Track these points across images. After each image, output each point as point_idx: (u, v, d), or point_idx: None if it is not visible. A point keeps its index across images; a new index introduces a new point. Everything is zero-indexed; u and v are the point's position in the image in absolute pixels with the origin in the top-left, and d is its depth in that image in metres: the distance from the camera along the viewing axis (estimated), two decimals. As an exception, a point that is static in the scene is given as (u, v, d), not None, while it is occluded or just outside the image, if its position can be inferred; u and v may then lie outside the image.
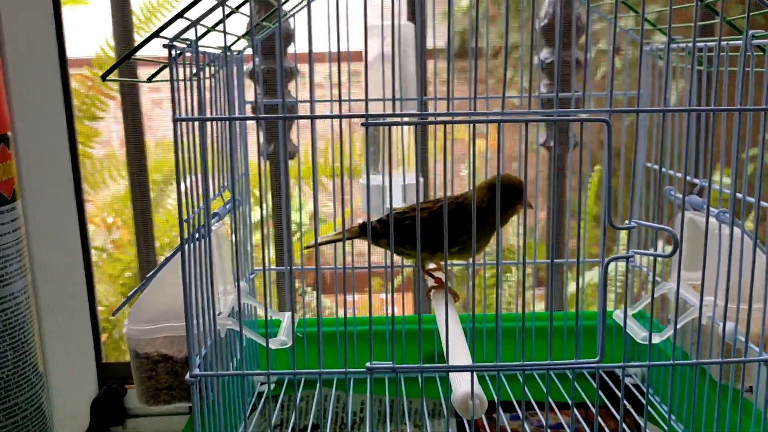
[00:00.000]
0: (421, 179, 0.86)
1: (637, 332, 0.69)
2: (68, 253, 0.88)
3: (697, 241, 0.71)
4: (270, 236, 0.93)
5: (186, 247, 0.56)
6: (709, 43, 0.66)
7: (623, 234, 0.83)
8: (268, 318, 0.66)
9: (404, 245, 0.72)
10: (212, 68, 0.68)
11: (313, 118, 0.52)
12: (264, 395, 0.82)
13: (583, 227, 0.77)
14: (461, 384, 0.58)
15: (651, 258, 0.76)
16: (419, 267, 0.67)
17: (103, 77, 0.49)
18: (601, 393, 0.82)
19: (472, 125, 0.53)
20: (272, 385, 0.84)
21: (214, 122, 0.63)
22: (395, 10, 0.77)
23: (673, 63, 0.75)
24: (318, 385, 0.77)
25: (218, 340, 0.65)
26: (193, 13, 0.50)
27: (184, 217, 0.54)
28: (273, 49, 0.86)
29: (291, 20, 0.85)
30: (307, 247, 0.66)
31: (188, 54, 0.57)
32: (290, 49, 0.90)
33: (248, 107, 0.80)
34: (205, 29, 0.57)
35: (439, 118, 0.56)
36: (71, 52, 0.85)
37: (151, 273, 0.65)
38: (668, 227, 0.52)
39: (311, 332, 0.83)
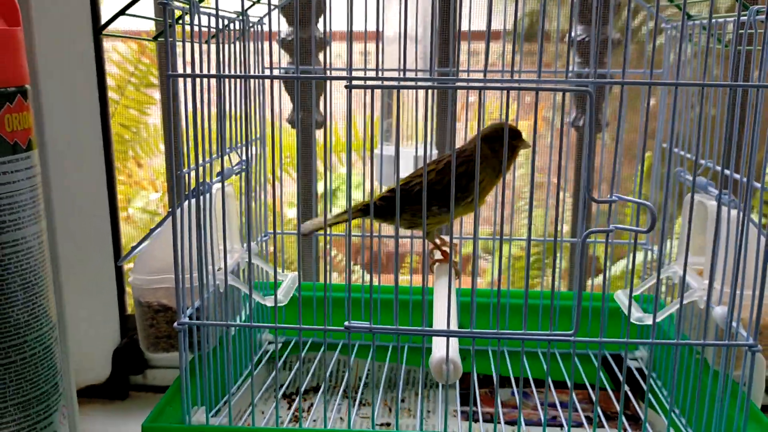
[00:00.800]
0: (435, 151, 0.86)
1: (633, 312, 0.68)
2: (94, 205, 0.92)
3: (703, 225, 0.69)
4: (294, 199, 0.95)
5: (186, 201, 0.58)
6: (719, 20, 0.64)
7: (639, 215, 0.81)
8: (275, 277, 0.69)
9: (415, 214, 0.72)
10: (229, 31, 0.70)
11: (298, 78, 0.53)
12: (270, 353, 0.85)
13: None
14: (440, 349, 0.58)
15: (660, 240, 0.75)
16: (425, 235, 0.68)
17: (98, 31, 0.51)
18: (602, 375, 0.82)
19: (452, 91, 0.54)
20: (279, 344, 0.86)
21: (232, 81, 0.65)
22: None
23: (694, 40, 0.73)
24: (323, 347, 0.80)
25: (217, 295, 0.68)
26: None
27: (176, 171, 0.57)
28: (300, 16, 0.88)
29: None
30: (305, 235, 0.68)
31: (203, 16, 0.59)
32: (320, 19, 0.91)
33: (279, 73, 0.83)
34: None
35: (420, 84, 0.57)
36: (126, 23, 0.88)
37: (155, 225, 0.68)
38: (647, 203, 0.51)
39: (320, 296, 0.85)
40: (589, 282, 1.04)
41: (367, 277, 0.95)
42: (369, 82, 0.53)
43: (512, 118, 0.92)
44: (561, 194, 0.73)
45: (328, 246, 0.68)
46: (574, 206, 0.97)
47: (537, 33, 0.55)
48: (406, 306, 0.84)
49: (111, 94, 1.42)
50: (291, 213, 1.23)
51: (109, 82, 1.34)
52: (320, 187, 1.20)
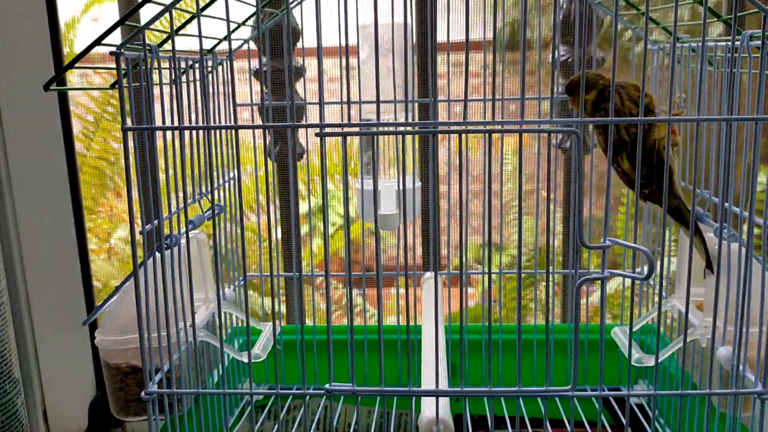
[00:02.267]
0: (418, 183, 0.83)
1: (633, 352, 0.65)
2: (64, 256, 0.87)
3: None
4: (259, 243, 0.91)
5: (154, 256, 0.54)
6: (709, 44, 0.61)
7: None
8: (248, 329, 0.64)
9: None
10: (194, 72, 0.66)
11: (265, 127, 0.49)
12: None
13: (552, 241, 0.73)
14: (430, 408, 0.55)
15: (659, 287, 0.71)
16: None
17: (45, 87, 0.47)
18: (603, 416, 0.78)
19: (432, 135, 0.50)
20: (260, 396, 0.82)
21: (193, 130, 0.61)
22: (394, 8, 0.74)
23: (682, 63, 0.69)
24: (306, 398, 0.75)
25: (190, 352, 0.64)
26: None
27: (139, 228, 0.53)
28: (274, 48, 0.84)
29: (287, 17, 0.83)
30: None
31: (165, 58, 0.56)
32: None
33: (255, 109, 0.79)
34: (165, 36, 0.55)
35: (390, 129, 0.53)
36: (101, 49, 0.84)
37: (120, 282, 0.64)
38: (643, 248, 0.48)
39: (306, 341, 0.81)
40: (582, 301, 1.00)
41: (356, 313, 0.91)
42: (344, 129, 0.49)
43: (497, 136, 0.89)
44: (551, 239, 0.69)
45: (313, 292, 0.64)
46: (563, 219, 0.94)
47: (519, 45, 0.51)
48: (393, 347, 0.80)
49: (87, 127, 1.37)
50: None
51: (84, 114, 1.30)
52: (303, 207, 1.15)
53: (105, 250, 1.64)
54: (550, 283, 0.63)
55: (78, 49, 0.86)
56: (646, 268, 0.55)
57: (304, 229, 0.95)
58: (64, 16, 0.88)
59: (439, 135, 0.90)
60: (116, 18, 0.88)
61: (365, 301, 0.85)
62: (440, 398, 0.53)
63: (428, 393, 0.53)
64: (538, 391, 0.52)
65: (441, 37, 0.77)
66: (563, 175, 0.91)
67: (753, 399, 0.53)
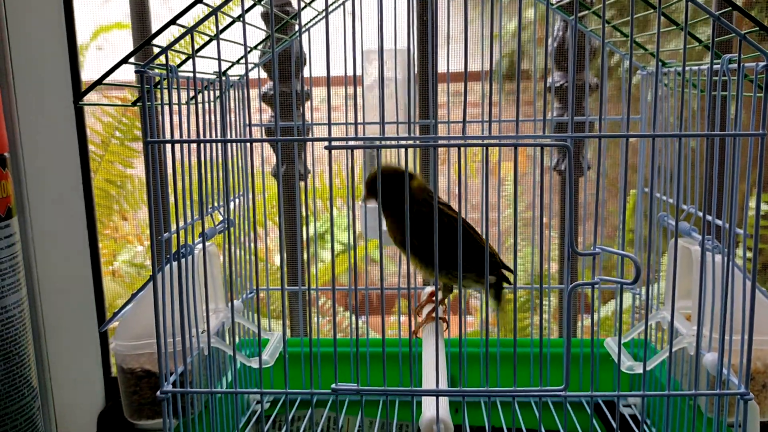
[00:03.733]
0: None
1: (624, 361, 0.68)
2: (77, 268, 0.91)
3: (689, 268, 0.69)
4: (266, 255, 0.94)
5: (169, 264, 0.58)
6: (693, 68, 0.65)
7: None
8: (261, 338, 0.68)
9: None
10: (208, 92, 0.70)
11: (278, 140, 0.53)
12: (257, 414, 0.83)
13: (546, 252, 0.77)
14: (430, 409, 0.57)
15: (647, 293, 0.75)
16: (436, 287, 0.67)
17: (75, 102, 0.51)
18: (595, 423, 0.81)
19: (434, 149, 0.54)
20: (267, 405, 0.85)
21: (212, 145, 0.65)
22: (397, 34, 0.79)
23: (669, 86, 0.73)
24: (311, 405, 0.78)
25: (201, 358, 0.67)
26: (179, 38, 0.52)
27: (157, 237, 0.56)
28: (282, 72, 0.88)
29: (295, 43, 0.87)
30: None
31: (182, 78, 0.60)
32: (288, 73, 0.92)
33: (263, 129, 0.83)
34: (186, 56, 0.59)
35: (393, 142, 0.57)
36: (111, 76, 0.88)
37: (137, 290, 0.67)
38: (631, 255, 0.51)
39: (308, 353, 0.84)
40: (579, 323, 1.03)
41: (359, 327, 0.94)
42: (350, 143, 0.53)
43: (494, 160, 0.92)
44: (544, 247, 0.72)
45: (316, 301, 0.67)
46: (560, 244, 0.97)
47: (517, 74, 0.55)
48: (395, 359, 0.83)
49: (95, 150, 1.41)
50: (279, 258, 1.22)
51: (93, 137, 1.33)
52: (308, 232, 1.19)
53: (110, 273, 1.67)
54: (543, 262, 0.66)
55: (87, 74, 0.91)
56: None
57: (310, 250, 0.99)
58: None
59: (439, 161, 0.94)
60: (122, 45, 0.93)
61: (368, 327, 0.88)
62: (440, 399, 0.56)
63: (429, 393, 0.56)
64: (533, 392, 0.55)
65: (441, 66, 0.81)
66: (560, 203, 0.95)
67: (737, 400, 0.56)
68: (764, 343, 0.64)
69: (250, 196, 0.77)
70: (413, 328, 0.72)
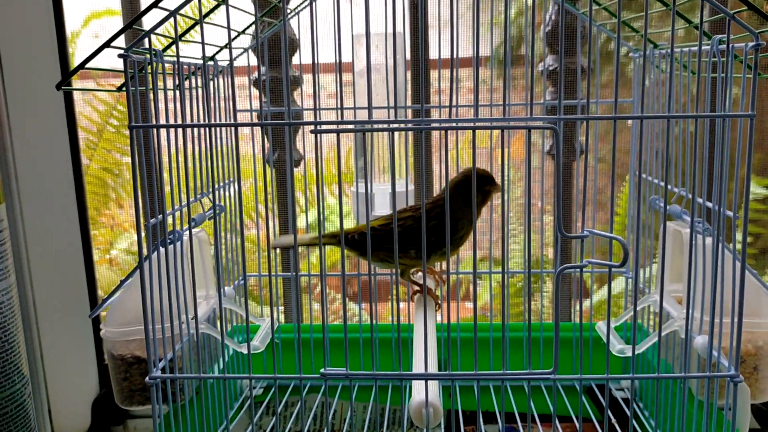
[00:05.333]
0: (411, 186, 0.86)
1: (615, 344, 0.67)
2: (69, 255, 0.90)
3: (680, 251, 0.69)
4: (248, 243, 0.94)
5: (158, 251, 0.57)
6: (684, 49, 0.64)
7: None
8: (250, 324, 0.67)
9: (390, 254, 0.71)
10: (195, 78, 0.70)
11: (263, 125, 0.52)
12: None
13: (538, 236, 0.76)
14: (420, 393, 0.57)
15: (635, 275, 0.74)
16: (398, 275, 0.67)
17: (58, 87, 0.50)
18: (587, 406, 0.81)
19: (422, 132, 0.53)
20: (260, 390, 0.85)
21: (200, 130, 0.65)
22: (388, 18, 0.78)
23: (662, 68, 0.73)
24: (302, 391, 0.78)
25: (192, 344, 0.67)
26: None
27: (144, 222, 0.56)
28: (273, 58, 0.88)
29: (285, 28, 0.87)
30: (275, 247, 0.68)
31: (168, 63, 0.59)
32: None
33: (254, 115, 0.82)
34: (169, 41, 0.58)
35: (381, 126, 0.56)
36: (99, 62, 0.87)
37: (125, 276, 0.67)
38: (619, 237, 0.51)
39: (302, 338, 0.84)
40: (577, 307, 1.03)
41: (349, 312, 0.93)
42: (338, 126, 0.52)
43: (486, 146, 0.92)
44: (540, 230, 0.72)
45: (307, 284, 0.67)
46: (555, 231, 0.97)
47: (515, 59, 0.55)
48: (387, 343, 0.83)
49: (91, 138, 1.40)
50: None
51: (88, 125, 1.33)
52: (300, 221, 1.19)
53: (107, 261, 1.67)
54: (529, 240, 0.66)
55: (79, 61, 0.90)
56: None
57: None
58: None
59: (433, 147, 0.93)
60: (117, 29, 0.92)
61: (361, 310, 0.88)
62: (430, 383, 0.56)
63: (418, 376, 0.56)
64: (522, 374, 0.55)
65: (433, 52, 0.80)
66: (554, 186, 0.94)
67: (727, 383, 0.56)
68: (754, 325, 0.64)
69: (240, 181, 0.77)
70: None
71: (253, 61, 0.86)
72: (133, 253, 1.68)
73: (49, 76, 0.84)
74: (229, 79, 0.67)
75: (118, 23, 1.01)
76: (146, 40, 0.53)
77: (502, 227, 0.56)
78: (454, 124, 0.53)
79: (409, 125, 0.54)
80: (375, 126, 0.53)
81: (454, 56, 0.66)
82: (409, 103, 0.91)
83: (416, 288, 0.77)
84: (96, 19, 1.28)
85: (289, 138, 0.78)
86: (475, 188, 0.55)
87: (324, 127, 0.53)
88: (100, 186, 1.51)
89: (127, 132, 0.52)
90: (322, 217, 0.60)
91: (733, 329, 0.56)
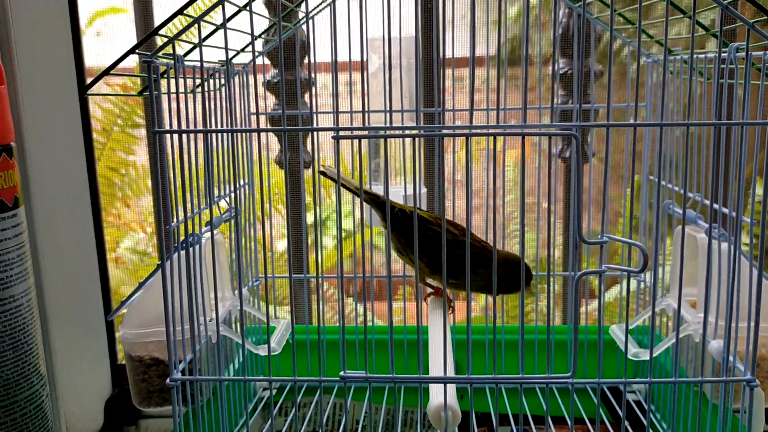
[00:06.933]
0: (424, 190, 0.86)
1: (630, 348, 0.68)
2: (82, 257, 0.91)
3: (695, 256, 0.70)
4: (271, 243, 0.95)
5: (177, 253, 0.58)
6: (700, 56, 0.65)
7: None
8: (268, 325, 0.68)
9: (406, 244, 0.71)
10: (214, 81, 0.70)
11: (285, 130, 0.53)
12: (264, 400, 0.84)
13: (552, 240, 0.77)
14: (437, 395, 0.58)
15: (653, 281, 0.75)
16: (417, 279, 0.68)
17: (83, 91, 0.51)
18: (601, 410, 0.81)
19: (439, 138, 0.54)
20: (273, 391, 0.85)
21: (218, 134, 0.65)
22: (402, 22, 0.79)
23: (674, 73, 0.73)
24: (319, 392, 0.79)
25: (209, 346, 0.67)
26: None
27: (165, 226, 0.56)
28: (286, 60, 0.88)
29: (300, 31, 0.87)
30: (321, 173, 0.68)
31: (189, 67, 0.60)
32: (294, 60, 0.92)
33: (264, 118, 0.83)
34: (191, 45, 0.59)
35: (407, 132, 0.57)
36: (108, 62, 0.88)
37: (144, 279, 0.68)
38: (639, 243, 0.51)
39: (314, 340, 0.84)
40: (583, 309, 1.03)
41: (361, 314, 0.94)
42: (356, 132, 0.53)
43: (499, 148, 0.92)
44: (551, 234, 0.72)
45: (320, 289, 0.67)
46: (564, 230, 0.97)
47: (520, 60, 0.55)
48: (401, 346, 0.84)
49: (97, 137, 1.41)
50: (281, 245, 1.22)
51: (95, 125, 1.33)
52: (309, 218, 1.19)
53: (113, 260, 1.67)
54: (552, 254, 0.67)
55: (87, 61, 0.90)
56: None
57: (311, 238, 0.99)
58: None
59: (445, 145, 0.94)
60: (121, 31, 0.93)
61: (374, 315, 0.89)
62: (448, 386, 0.56)
63: (436, 380, 0.56)
64: (539, 379, 0.56)
65: (446, 52, 0.81)
66: (563, 189, 0.95)
67: (743, 387, 0.56)
68: (769, 330, 0.64)
69: (256, 184, 0.77)
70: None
71: (264, 62, 0.87)
72: (138, 252, 1.68)
73: (63, 78, 0.84)
74: (245, 81, 0.68)
75: (122, 21, 1.02)
76: (169, 45, 0.53)
77: (522, 232, 0.56)
78: (470, 131, 0.53)
79: (431, 132, 0.54)
80: (396, 132, 0.54)
81: (461, 56, 0.67)
82: (422, 107, 0.92)
83: (429, 290, 0.77)
84: (100, 17, 1.28)
85: (301, 142, 0.79)
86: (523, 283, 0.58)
87: (344, 133, 0.54)
88: (107, 185, 1.52)
89: (134, 132, 0.53)
90: (339, 222, 0.61)
91: (750, 333, 0.56)
